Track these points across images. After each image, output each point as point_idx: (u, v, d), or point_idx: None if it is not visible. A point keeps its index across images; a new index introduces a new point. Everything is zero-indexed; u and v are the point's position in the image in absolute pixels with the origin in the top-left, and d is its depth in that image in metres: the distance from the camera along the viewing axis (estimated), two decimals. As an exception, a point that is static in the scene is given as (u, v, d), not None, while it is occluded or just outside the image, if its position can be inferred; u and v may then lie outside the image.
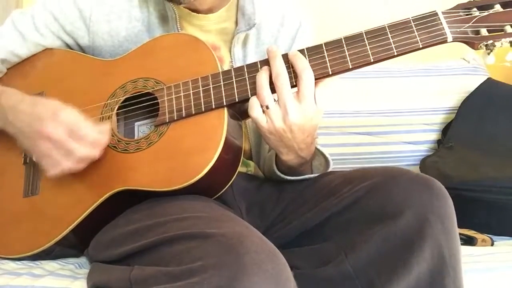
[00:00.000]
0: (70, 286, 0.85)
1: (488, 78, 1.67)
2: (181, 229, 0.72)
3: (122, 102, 0.93)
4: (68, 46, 1.03)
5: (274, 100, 0.83)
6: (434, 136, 1.62)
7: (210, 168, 0.81)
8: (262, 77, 0.83)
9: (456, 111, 1.60)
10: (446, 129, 1.58)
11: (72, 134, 0.84)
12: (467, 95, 1.61)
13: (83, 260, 0.99)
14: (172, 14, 0.98)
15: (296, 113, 0.82)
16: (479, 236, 1.21)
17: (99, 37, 1.00)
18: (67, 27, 1.01)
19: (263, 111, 0.83)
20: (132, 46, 0.98)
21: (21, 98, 0.91)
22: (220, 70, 0.88)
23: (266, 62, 0.86)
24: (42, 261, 0.94)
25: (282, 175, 0.96)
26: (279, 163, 0.96)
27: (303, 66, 0.82)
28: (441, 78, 1.71)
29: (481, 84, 1.63)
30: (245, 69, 0.87)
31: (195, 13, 1.00)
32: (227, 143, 0.83)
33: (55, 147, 0.84)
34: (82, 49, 1.03)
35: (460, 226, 0.81)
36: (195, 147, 0.84)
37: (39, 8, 1.01)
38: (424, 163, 1.51)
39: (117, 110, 0.93)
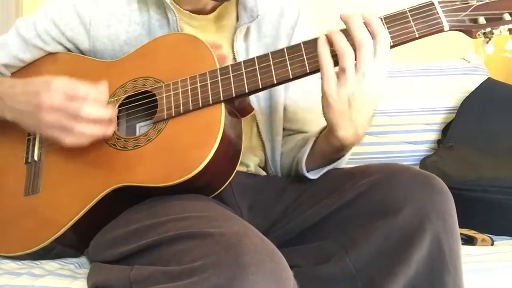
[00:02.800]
0: (70, 286, 0.85)
1: (488, 78, 1.67)
2: (181, 228, 0.72)
3: (124, 100, 0.94)
4: (69, 51, 1.05)
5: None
6: (434, 136, 1.62)
7: (208, 163, 0.81)
8: (342, 40, 0.81)
9: (456, 111, 1.59)
10: (446, 129, 1.58)
11: (71, 97, 0.85)
12: (467, 95, 1.61)
13: (83, 260, 0.99)
14: (172, 17, 0.98)
15: (372, 76, 0.79)
16: (479, 236, 1.20)
17: (100, 42, 1.01)
18: (67, 33, 1.02)
19: (337, 72, 0.81)
20: (132, 49, 0.99)
21: (14, 82, 0.93)
22: (218, 67, 0.88)
23: (262, 57, 0.87)
24: (42, 261, 0.94)
25: (305, 172, 0.94)
26: (317, 151, 0.93)
27: (380, 28, 0.80)
28: (441, 78, 1.70)
29: (481, 84, 1.62)
30: (242, 65, 0.87)
31: (195, 15, 1.00)
32: (224, 138, 0.83)
33: (60, 114, 0.85)
34: (83, 53, 1.04)
35: (460, 226, 0.81)
36: (193, 142, 0.84)
37: (41, 15, 1.03)
38: (424, 163, 1.51)
39: (118, 109, 0.94)
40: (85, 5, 1.01)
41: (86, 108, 0.85)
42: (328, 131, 0.88)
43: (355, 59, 0.80)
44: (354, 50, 0.80)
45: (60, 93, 0.85)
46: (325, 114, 0.85)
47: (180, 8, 1.00)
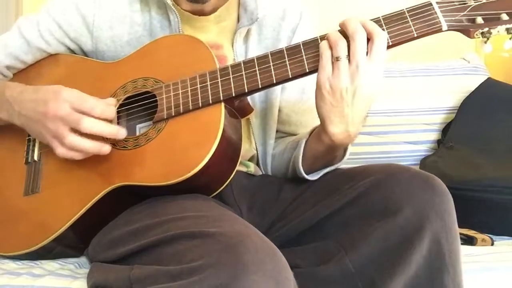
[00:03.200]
0: (70, 286, 0.85)
1: (488, 78, 1.67)
2: (181, 228, 0.72)
3: (124, 100, 0.94)
4: (72, 51, 1.05)
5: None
6: (434, 136, 1.62)
7: (207, 162, 0.81)
8: (338, 34, 0.82)
9: (456, 111, 1.59)
10: (446, 129, 1.58)
11: (77, 109, 0.85)
12: (467, 95, 1.61)
13: (83, 260, 0.99)
14: (174, 18, 0.98)
15: (366, 73, 0.80)
16: (479, 236, 1.21)
17: (102, 43, 1.01)
18: (71, 34, 1.02)
19: (332, 63, 0.82)
20: (133, 50, 0.99)
21: (23, 88, 0.93)
22: (218, 67, 0.89)
23: (262, 57, 0.87)
24: (42, 261, 0.95)
25: (304, 174, 0.94)
26: (308, 151, 0.94)
27: (376, 27, 0.82)
28: (441, 78, 1.71)
29: (481, 84, 1.63)
30: (242, 65, 0.88)
31: (196, 16, 1.01)
32: (224, 137, 0.83)
33: (62, 123, 0.85)
34: (85, 54, 1.05)
35: (460, 226, 0.81)
36: (192, 142, 0.84)
37: (43, 15, 1.03)
38: (424, 163, 1.51)
39: (118, 109, 0.94)
40: (88, 6, 1.01)
41: (87, 122, 0.85)
42: (320, 128, 0.89)
43: (349, 52, 0.81)
44: (348, 42, 0.81)
45: (66, 104, 0.85)
46: (318, 107, 0.85)
47: (181, 9, 1.00)
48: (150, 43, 0.98)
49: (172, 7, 0.98)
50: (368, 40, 0.81)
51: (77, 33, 1.02)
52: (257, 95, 1.03)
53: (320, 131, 0.88)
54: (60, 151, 0.86)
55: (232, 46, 1.02)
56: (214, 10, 1.01)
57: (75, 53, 1.05)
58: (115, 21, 1.01)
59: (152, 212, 0.81)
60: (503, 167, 1.36)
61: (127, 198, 0.87)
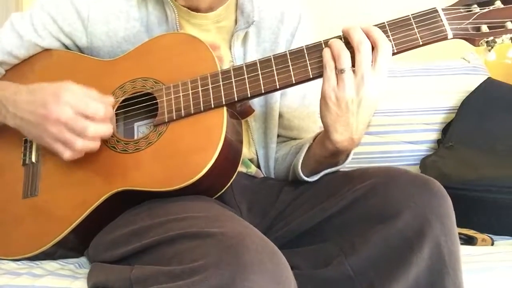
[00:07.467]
0: (70, 286, 0.85)
1: (488, 78, 1.67)
2: (182, 228, 0.73)
3: (121, 103, 0.93)
4: (66, 47, 1.03)
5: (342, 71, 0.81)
6: (434, 135, 1.62)
7: (210, 168, 0.81)
8: (340, 43, 0.82)
9: (456, 111, 1.60)
10: (446, 129, 1.58)
11: (80, 112, 0.84)
12: (467, 94, 1.61)
13: (83, 260, 0.98)
14: (171, 14, 0.97)
15: (371, 83, 0.80)
16: (479, 236, 1.21)
17: (97, 38, 0.99)
18: (65, 28, 1.00)
19: (336, 74, 0.81)
20: (130, 46, 0.98)
21: (17, 88, 0.91)
22: (219, 70, 0.88)
23: (265, 61, 0.86)
24: (42, 261, 0.94)
25: (304, 177, 0.94)
26: (311, 156, 0.94)
27: (381, 36, 0.81)
28: (441, 78, 1.70)
29: (481, 83, 1.63)
30: (244, 69, 0.87)
31: (194, 12, 0.99)
32: (226, 142, 0.83)
33: (66, 128, 0.83)
34: (80, 50, 1.02)
35: (460, 226, 0.82)
36: (194, 147, 0.83)
37: (37, 9, 1.01)
38: (424, 163, 1.51)
39: (117, 110, 0.93)
40: (83, 0, 0.99)
41: (93, 129, 0.84)
42: (323, 135, 0.88)
43: (354, 64, 0.81)
44: (353, 53, 0.81)
45: (68, 107, 0.83)
46: (322, 116, 0.85)
47: (179, 4, 0.98)
48: (148, 41, 0.96)
49: (170, 1, 0.96)
50: (373, 48, 0.81)
51: (72, 27, 0.99)
52: (256, 99, 1.02)
53: (324, 137, 0.88)
54: (69, 155, 0.85)
55: (230, 48, 1.01)
56: (210, 8, 1.00)
57: (69, 49, 1.03)
58: (111, 15, 0.99)
59: (152, 213, 0.81)
60: (503, 167, 1.36)
61: (129, 200, 0.86)
